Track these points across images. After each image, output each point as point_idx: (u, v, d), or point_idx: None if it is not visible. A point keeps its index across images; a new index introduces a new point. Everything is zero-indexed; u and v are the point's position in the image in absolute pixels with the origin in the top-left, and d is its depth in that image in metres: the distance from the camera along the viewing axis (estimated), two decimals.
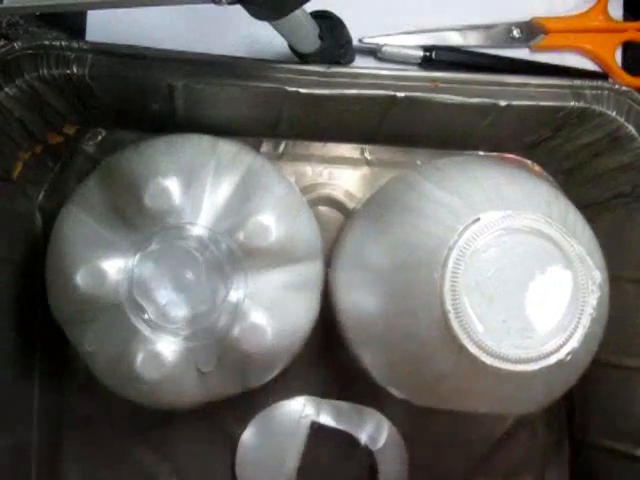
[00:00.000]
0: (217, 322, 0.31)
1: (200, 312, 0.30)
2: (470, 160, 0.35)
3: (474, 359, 0.27)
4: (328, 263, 0.37)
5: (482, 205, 0.29)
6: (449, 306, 0.27)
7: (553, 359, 0.27)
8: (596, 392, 0.39)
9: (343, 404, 0.40)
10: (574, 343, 0.28)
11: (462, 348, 0.27)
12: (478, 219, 0.28)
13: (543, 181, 0.33)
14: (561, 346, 0.27)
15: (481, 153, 0.42)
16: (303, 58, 0.36)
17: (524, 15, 0.43)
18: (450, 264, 0.27)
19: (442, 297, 0.27)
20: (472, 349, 0.27)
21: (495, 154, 0.42)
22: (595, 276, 0.28)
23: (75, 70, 0.34)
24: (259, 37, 0.40)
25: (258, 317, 0.31)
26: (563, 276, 0.28)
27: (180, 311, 0.30)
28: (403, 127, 0.39)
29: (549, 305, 0.28)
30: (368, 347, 0.33)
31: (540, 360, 0.27)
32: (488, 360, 0.27)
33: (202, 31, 0.40)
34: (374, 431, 0.39)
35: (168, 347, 0.30)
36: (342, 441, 0.40)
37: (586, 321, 0.28)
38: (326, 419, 0.39)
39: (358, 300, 0.33)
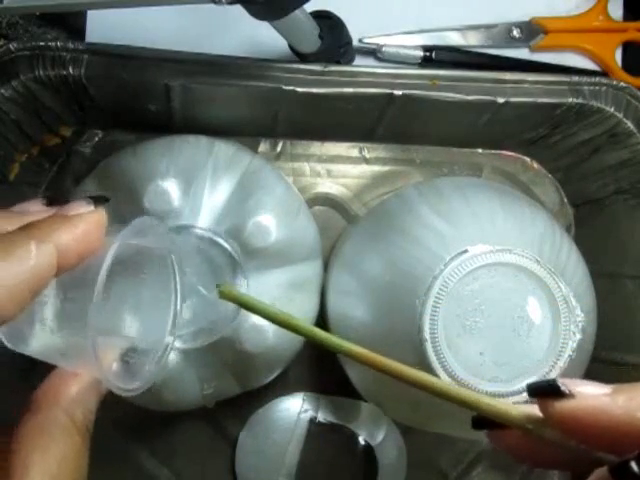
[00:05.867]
0: (217, 323, 0.30)
1: (200, 314, 0.30)
2: (471, 185, 0.35)
3: None
4: (326, 263, 0.37)
5: (473, 236, 0.29)
6: (426, 334, 0.27)
7: (524, 397, 0.27)
8: None
9: (342, 400, 0.40)
10: None
11: (436, 375, 0.27)
12: (466, 251, 0.28)
13: (542, 212, 0.33)
14: None
15: (480, 151, 0.42)
16: (303, 58, 0.35)
17: (524, 15, 0.43)
18: (432, 293, 0.28)
19: (421, 325, 0.28)
20: (444, 378, 0.27)
21: (494, 151, 0.42)
22: (578, 319, 0.28)
23: (71, 71, 0.34)
24: (259, 37, 0.40)
25: (259, 317, 0.31)
26: (545, 316, 0.28)
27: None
28: (401, 125, 0.39)
29: (528, 343, 0.28)
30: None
31: (511, 396, 0.27)
32: None
33: (202, 31, 0.40)
34: (373, 426, 0.39)
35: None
36: (341, 436, 0.40)
37: (563, 363, 0.28)
38: (325, 415, 0.39)
39: (347, 307, 0.33)
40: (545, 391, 0.17)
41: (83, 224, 0.19)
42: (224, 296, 0.26)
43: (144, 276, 0.24)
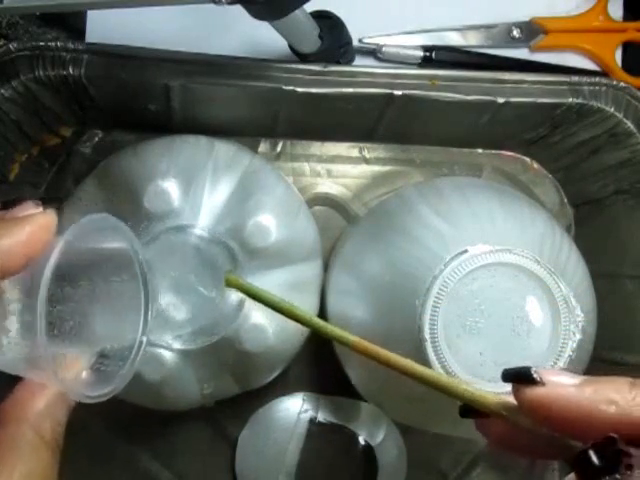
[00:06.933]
0: (217, 323, 0.30)
1: (200, 314, 0.30)
2: (471, 185, 0.35)
3: None
4: (327, 263, 0.37)
5: (473, 236, 0.29)
6: (426, 334, 0.27)
7: None
8: None
9: (342, 400, 0.40)
10: None
11: None
12: (466, 251, 0.28)
13: (542, 212, 0.33)
14: None
15: (480, 151, 0.42)
16: (303, 58, 0.35)
17: (524, 15, 0.43)
18: (432, 294, 0.28)
19: (420, 325, 0.28)
20: None
21: (494, 151, 0.42)
22: (578, 319, 0.28)
23: (71, 71, 0.34)
24: (259, 37, 0.40)
25: (259, 317, 0.31)
26: (545, 316, 0.28)
27: (180, 313, 0.30)
28: (401, 125, 0.39)
29: (528, 343, 0.28)
30: (352, 356, 0.33)
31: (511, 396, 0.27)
32: None
33: (202, 31, 0.40)
34: (373, 426, 0.39)
35: (168, 348, 0.30)
36: (341, 436, 0.40)
37: (563, 363, 0.28)
38: (325, 415, 0.39)
39: (347, 307, 0.33)
40: (518, 377, 0.18)
41: (29, 226, 0.19)
42: (230, 284, 0.26)
43: (114, 279, 0.23)
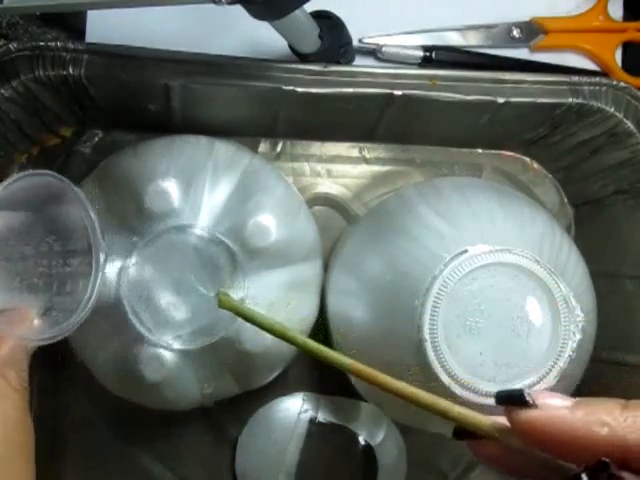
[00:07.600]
0: (217, 323, 0.30)
1: (200, 314, 0.30)
2: (471, 185, 0.35)
3: (446, 388, 0.27)
4: (327, 263, 0.37)
5: (473, 236, 0.29)
6: (426, 335, 0.28)
7: None
8: (598, 390, 0.39)
9: (342, 400, 0.40)
10: (549, 382, 0.28)
11: (435, 376, 0.27)
12: (465, 251, 0.28)
13: (542, 212, 0.33)
14: (534, 384, 0.28)
15: (480, 151, 0.42)
16: (303, 58, 0.36)
17: (524, 15, 0.43)
18: (432, 294, 0.28)
19: (420, 325, 0.28)
20: (444, 378, 0.27)
21: (494, 151, 0.42)
22: (578, 319, 0.28)
23: (71, 71, 0.34)
24: (259, 37, 0.40)
25: None
26: (545, 316, 0.28)
27: (179, 313, 0.30)
28: (401, 125, 0.39)
29: (528, 343, 0.28)
30: (352, 355, 0.33)
31: None
32: (458, 391, 0.27)
33: (202, 31, 0.40)
34: (373, 426, 0.39)
35: (168, 348, 0.30)
36: (341, 436, 0.40)
37: (563, 363, 0.28)
38: (325, 415, 0.40)
39: (347, 307, 0.33)
40: (510, 400, 0.18)
41: None
42: (222, 305, 0.26)
43: (68, 238, 0.24)
